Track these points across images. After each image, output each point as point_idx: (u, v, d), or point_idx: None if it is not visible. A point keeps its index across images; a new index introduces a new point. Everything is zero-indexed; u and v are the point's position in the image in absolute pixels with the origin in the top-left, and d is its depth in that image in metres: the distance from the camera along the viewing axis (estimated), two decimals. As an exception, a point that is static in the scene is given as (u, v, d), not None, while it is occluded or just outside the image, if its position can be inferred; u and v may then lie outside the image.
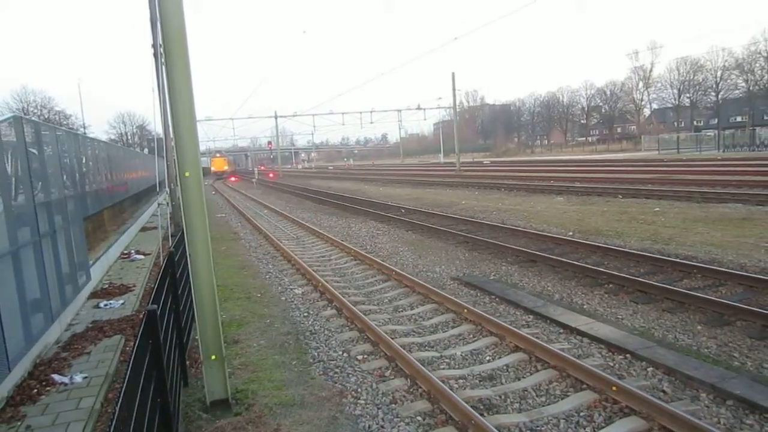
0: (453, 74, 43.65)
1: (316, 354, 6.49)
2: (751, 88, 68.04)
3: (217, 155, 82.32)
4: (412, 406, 5.02)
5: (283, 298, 9.16)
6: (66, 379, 5.65)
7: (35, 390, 5.41)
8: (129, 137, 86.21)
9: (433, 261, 11.30)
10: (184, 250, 5.71)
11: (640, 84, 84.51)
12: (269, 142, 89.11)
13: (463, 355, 6.21)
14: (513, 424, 4.57)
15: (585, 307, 7.63)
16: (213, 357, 5.00)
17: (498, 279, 9.51)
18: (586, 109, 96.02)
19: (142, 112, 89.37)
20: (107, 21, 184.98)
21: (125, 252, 13.67)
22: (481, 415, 4.58)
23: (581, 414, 4.70)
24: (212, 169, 74.52)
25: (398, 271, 9.89)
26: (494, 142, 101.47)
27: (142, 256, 13.06)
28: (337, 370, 5.98)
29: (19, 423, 4.78)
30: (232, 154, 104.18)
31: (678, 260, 9.22)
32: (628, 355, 5.76)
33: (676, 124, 78.94)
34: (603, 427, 4.44)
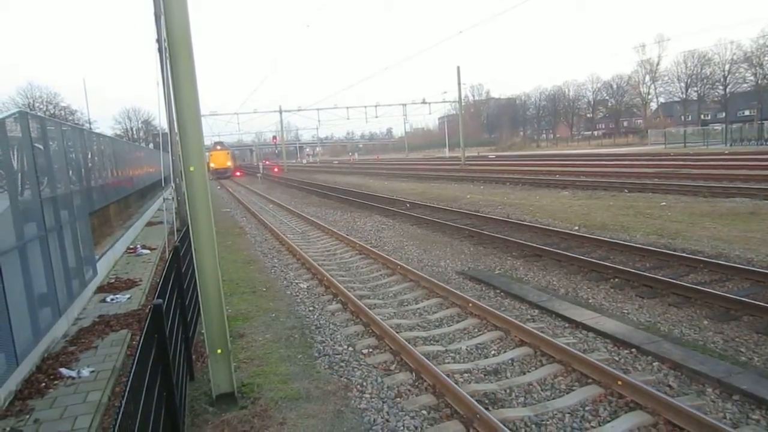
0: (458, 68, 43.43)
1: (321, 348, 6.51)
2: (759, 81, 67.38)
3: (218, 148, 63.50)
4: (417, 400, 5.03)
5: (289, 293, 9.18)
6: (73, 373, 5.70)
7: (43, 384, 5.46)
8: (134, 132, 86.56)
9: (438, 255, 11.29)
10: (189, 245, 5.73)
11: (647, 77, 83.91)
12: (274, 137, 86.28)
13: (468, 349, 6.22)
14: (518, 418, 4.57)
15: (590, 301, 7.61)
16: (219, 351, 5.02)
17: (503, 273, 9.50)
18: (592, 102, 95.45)
19: (147, 107, 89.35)
20: (112, 16, 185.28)
21: (131, 247, 13.75)
22: (486, 409, 4.58)
23: (586, 408, 4.69)
24: (212, 165, 56.55)
25: (403, 265, 9.89)
26: (499, 137, 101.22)
27: (148, 251, 13.13)
28: (342, 364, 5.99)
29: (27, 416, 4.82)
30: (236, 149, 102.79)
31: (684, 255, 9.18)
32: (633, 350, 5.75)
33: (683, 118, 78.37)
34: (608, 422, 4.44)
